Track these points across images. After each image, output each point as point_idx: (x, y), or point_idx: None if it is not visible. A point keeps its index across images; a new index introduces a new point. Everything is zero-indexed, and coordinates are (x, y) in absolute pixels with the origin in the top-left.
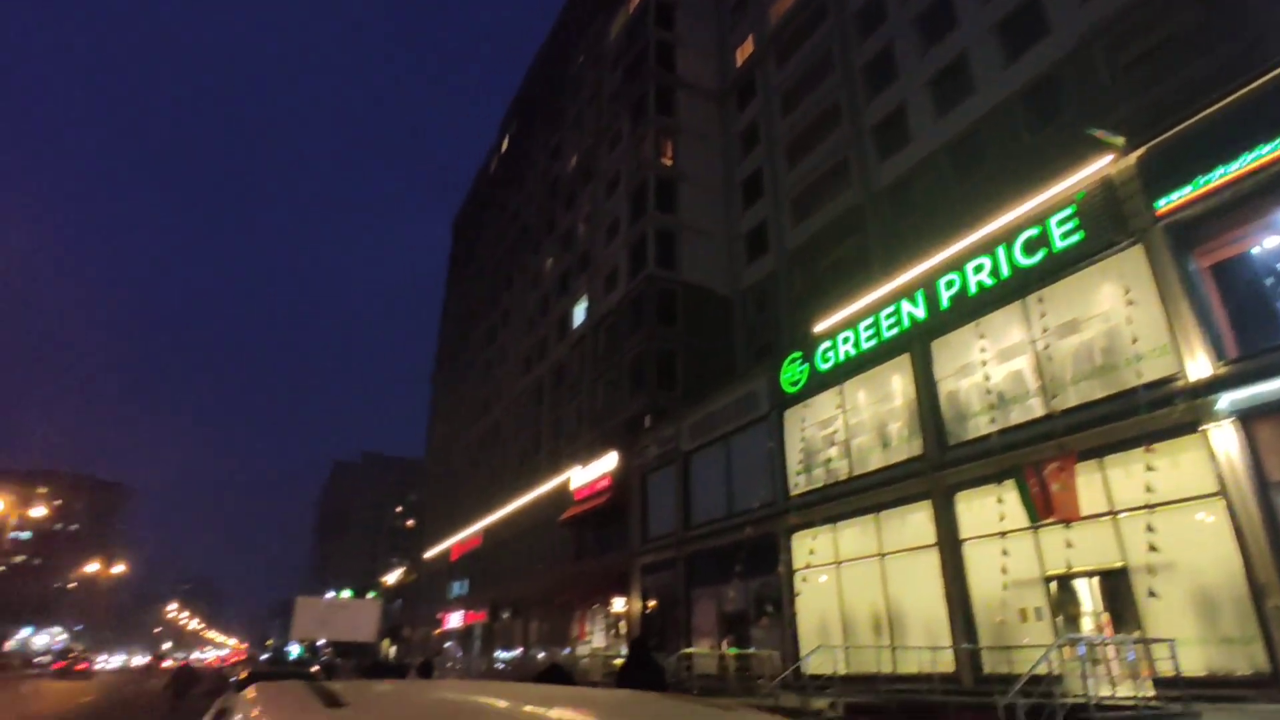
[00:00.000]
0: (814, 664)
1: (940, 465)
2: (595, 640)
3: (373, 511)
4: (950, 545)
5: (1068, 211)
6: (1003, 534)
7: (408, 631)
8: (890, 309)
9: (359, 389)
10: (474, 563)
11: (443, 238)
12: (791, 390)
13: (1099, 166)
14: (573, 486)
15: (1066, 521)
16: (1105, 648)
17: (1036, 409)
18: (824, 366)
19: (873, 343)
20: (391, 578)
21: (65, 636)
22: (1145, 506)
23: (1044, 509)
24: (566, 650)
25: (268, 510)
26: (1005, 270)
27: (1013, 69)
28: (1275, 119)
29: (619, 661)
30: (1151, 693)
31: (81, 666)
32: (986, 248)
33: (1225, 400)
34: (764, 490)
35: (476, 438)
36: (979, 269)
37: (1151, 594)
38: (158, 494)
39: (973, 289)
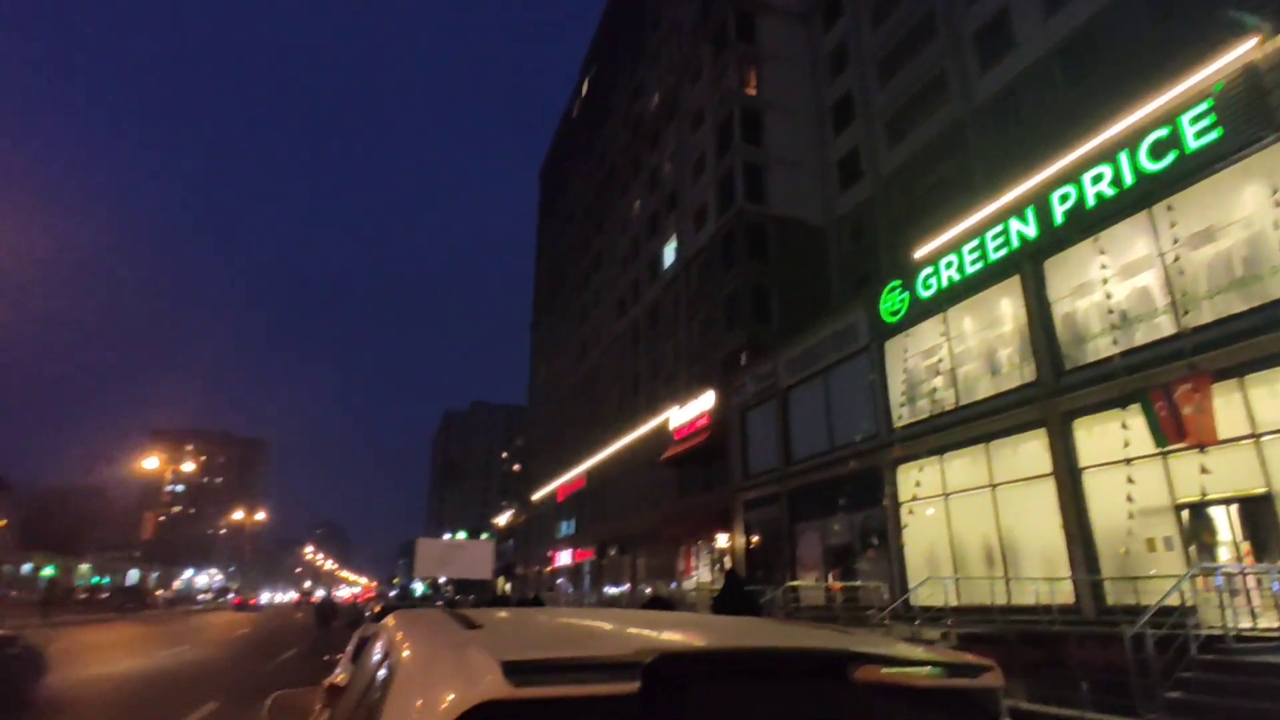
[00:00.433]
0: (923, 595)
1: (1055, 391)
2: (700, 575)
3: (482, 457)
4: (1068, 474)
5: (1202, 107)
6: (1127, 461)
7: (520, 569)
8: (997, 229)
9: (467, 341)
10: (580, 503)
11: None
12: (892, 320)
13: (1241, 53)
14: (672, 426)
15: (1201, 446)
16: (1245, 578)
17: (1165, 327)
18: (926, 294)
19: (979, 266)
20: (502, 519)
21: (221, 577)
22: None
23: (1174, 433)
24: (673, 585)
25: (389, 458)
26: (1128, 178)
27: None
28: None
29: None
30: None
31: (252, 601)
32: (1106, 155)
33: None
34: (866, 423)
35: (576, 382)
36: (1098, 179)
37: None
38: (291, 446)
39: (1091, 201)
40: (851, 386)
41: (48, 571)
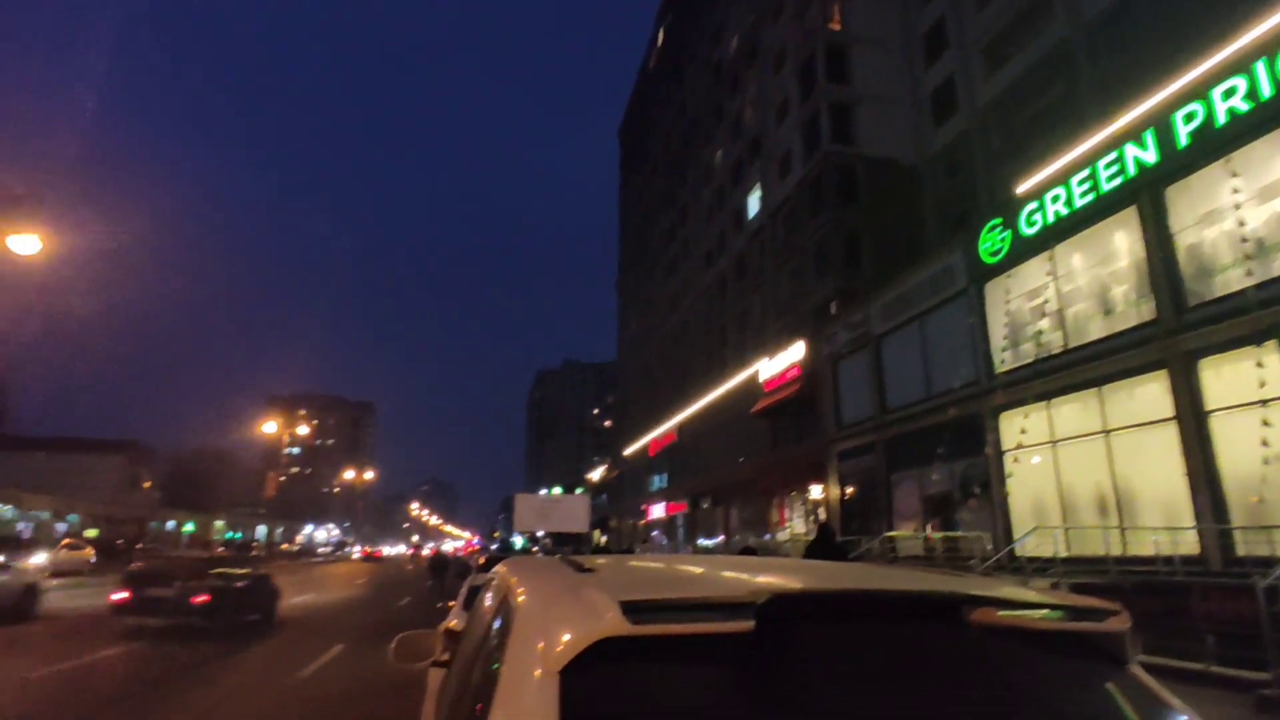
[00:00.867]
0: (1030, 546)
1: (1178, 329)
2: (794, 526)
3: (575, 414)
4: (1193, 418)
5: None
6: (1263, 403)
7: (615, 522)
8: (1111, 156)
9: (558, 300)
10: (671, 456)
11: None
12: (992, 260)
13: None
14: (761, 378)
15: None
16: None
17: None
18: (1029, 231)
19: (1089, 198)
20: (595, 475)
21: (338, 532)
22: None
23: None
24: (766, 536)
25: (489, 417)
26: (1266, 89)
27: None
28: None
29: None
30: None
31: (377, 554)
32: (1240, 66)
33: None
34: (965, 369)
35: (664, 337)
36: (1229, 93)
37: None
38: (396, 407)
39: (1221, 119)
40: (949, 332)
41: (188, 528)
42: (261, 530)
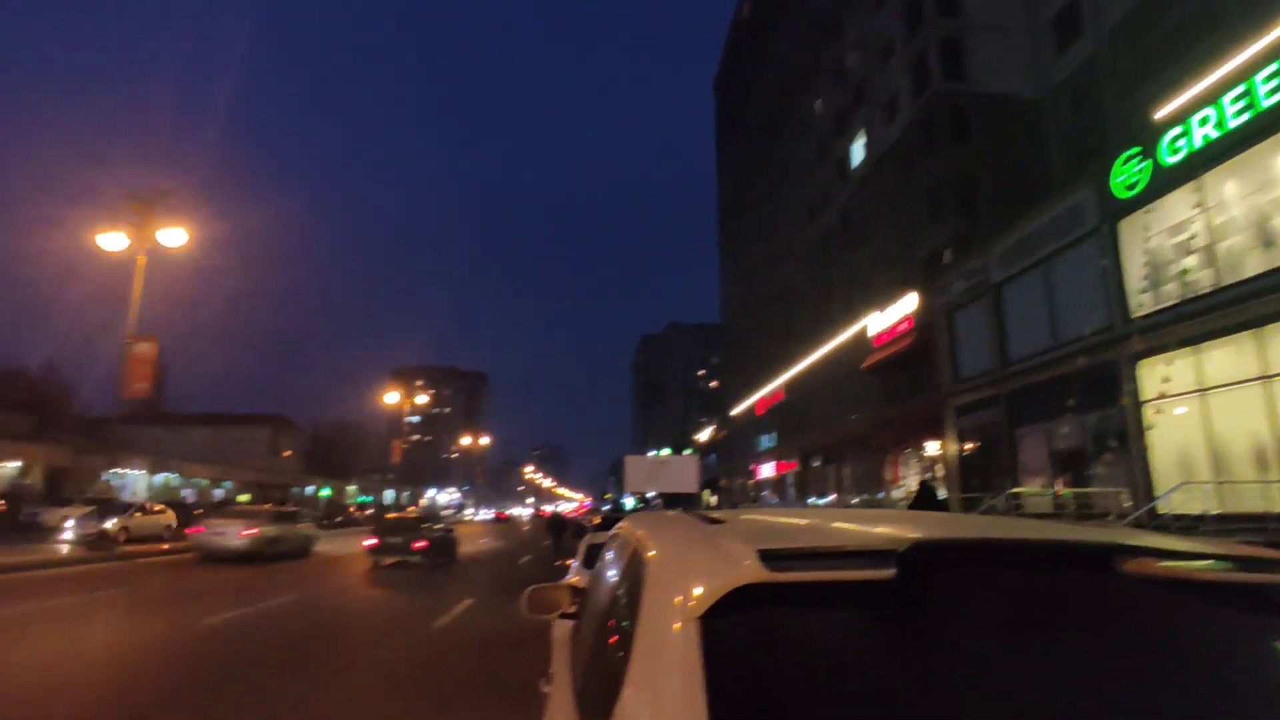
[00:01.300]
0: (1176, 502)
1: None
2: (910, 484)
3: (680, 376)
4: None
5: None
6: None
7: (724, 482)
8: (1271, 69)
9: (659, 263)
10: (780, 415)
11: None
12: (1127, 195)
13: None
14: (871, 333)
15: None
16: None
17: None
18: (1172, 159)
19: (1245, 116)
20: (702, 435)
21: (459, 495)
22: None
23: None
24: (880, 494)
25: (596, 382)
26: None
27: None
28: None
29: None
30: None
31: (503, 516)
32: None
33: None
34: (1097, 315)
35: (768, 296)
36: None
37: None
38: (508, 375)
39: None
40: (1077, 276)
41: (325, 492)
42: (389, 494)
